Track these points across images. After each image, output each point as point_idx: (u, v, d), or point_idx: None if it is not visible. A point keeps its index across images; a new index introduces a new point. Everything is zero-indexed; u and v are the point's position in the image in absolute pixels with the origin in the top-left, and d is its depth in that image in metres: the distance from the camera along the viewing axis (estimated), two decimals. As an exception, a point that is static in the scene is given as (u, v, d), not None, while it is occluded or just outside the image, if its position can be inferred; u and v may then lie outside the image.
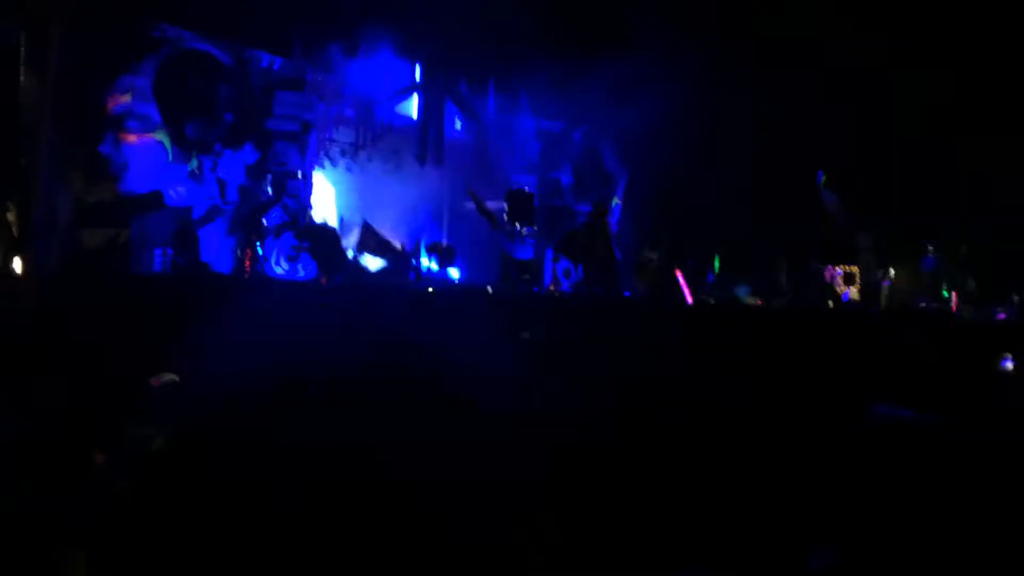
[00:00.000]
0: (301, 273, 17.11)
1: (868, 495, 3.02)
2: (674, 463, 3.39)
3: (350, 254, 18.94)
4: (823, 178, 20.03)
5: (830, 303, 19.61)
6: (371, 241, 17.94)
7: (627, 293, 18.19)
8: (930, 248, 19.60)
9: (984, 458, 3.27)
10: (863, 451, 3.33)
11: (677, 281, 19.15)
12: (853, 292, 20.34)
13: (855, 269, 20.52)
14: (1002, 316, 17.01)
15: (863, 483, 3.10)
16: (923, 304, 19.10)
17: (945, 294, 19.61)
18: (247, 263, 16.61)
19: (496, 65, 20.71)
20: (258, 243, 16.83)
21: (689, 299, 18.52)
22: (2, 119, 12.26)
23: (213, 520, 2.73)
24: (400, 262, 18.49)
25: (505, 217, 19.79)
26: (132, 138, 15.77)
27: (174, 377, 3.31)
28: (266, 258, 16.96)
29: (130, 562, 2.59)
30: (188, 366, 4.24)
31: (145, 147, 15.95)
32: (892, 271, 20.45)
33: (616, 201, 22.85)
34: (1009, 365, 5.03)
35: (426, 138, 20.33)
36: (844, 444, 3.40)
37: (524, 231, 19.64)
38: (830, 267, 20.29)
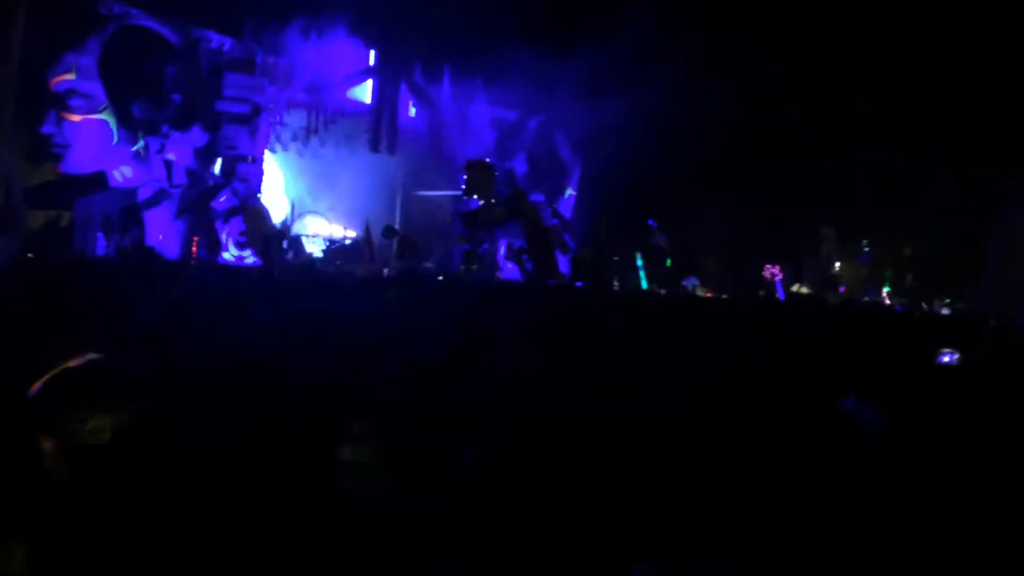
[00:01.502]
0: (250, 259, 16.90)
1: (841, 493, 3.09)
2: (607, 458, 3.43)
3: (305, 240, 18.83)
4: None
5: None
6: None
7: (579, 284, 18.29)
8: (865, 244, 20.16)
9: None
10: (832, 446, 3.40)
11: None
12: (799, 288, 20.84)
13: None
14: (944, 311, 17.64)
15: (834, 480, 3.16)
16: (867, 298, 19.68)
17: (887, 288, 20.23)
18: (193, 248, 16.33)
19: (452, 52, 20.59)
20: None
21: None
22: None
23: (161, 511, 2.71)
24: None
25: (463, 188, 19.43)
26: (76, 117, 15.36)
27: (95, 356, 3.25)
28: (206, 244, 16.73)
29: (76, 555, 2.56)
30: (134, 350, 4.17)
31: (89, 127, 15.55)
32: (837, 265, 21.02)
33: (570, 191, 22.97)
34: (946, 359, 5.20)
35: (379, 124, 20.13)
36: (811, 439, 3.47)
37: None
38: (768, 265, 20.81)
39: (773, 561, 2.71)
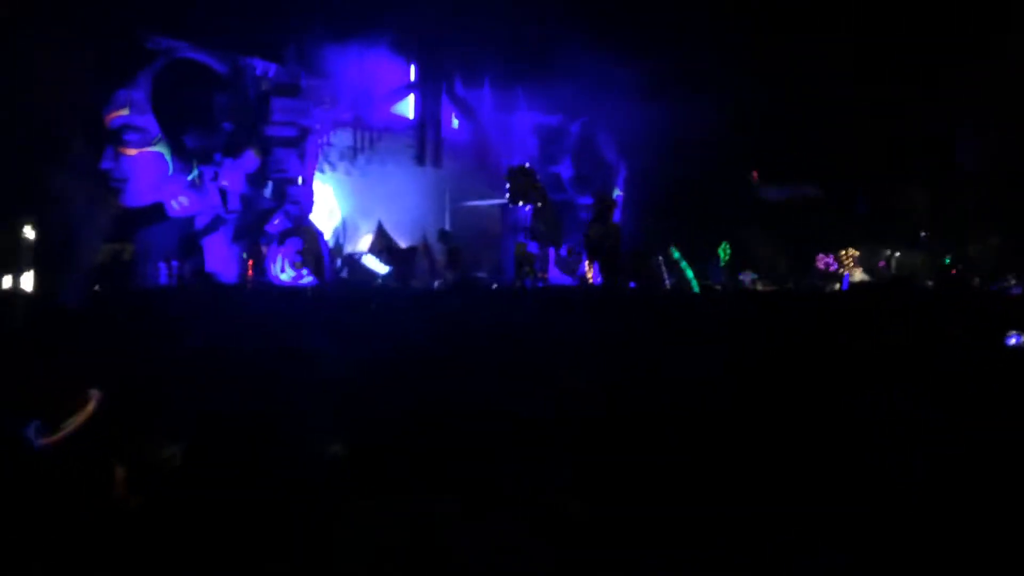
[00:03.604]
0: (307, 279, 17.19)
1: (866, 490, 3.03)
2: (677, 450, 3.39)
3: (366, 258, 19.00)
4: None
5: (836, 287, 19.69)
6: (381, 245, 17.96)
7: (632, 285, 18.16)
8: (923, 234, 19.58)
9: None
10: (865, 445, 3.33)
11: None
12: (856, 275, 20.35)
13: (856, 253, 20.58)
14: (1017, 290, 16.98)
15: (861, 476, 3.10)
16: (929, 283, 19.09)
17: (947, 261, 19.53)
18: (249, 272, 16.66)
19: (491, 61, 20.69)
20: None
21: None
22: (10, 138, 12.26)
23: (225, 536, 2.76)
24: (409, 266, 18.49)
25: (507, 197, 19.48)
26: (132, 151, 15.82)
27: (97, 392, 3.31)
28: (264, 267, 17.05)
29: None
30: (197, 378, 4.27)
31: (145, 159, 16.00)
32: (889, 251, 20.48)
33: (617, 192, 22.85)
34: (1014, 341, 5.00)
35: (424, 138, 20.33)
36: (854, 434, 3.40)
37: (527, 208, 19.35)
38: (821, 255, 20.39)
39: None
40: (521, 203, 19.10)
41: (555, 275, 19.98)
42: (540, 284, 18.89)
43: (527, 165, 20.03)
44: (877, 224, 19.22)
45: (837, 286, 19.65)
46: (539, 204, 19.53)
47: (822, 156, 19.64)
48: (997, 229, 18.36)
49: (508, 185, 18.99)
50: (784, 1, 19.31)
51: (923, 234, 17.55)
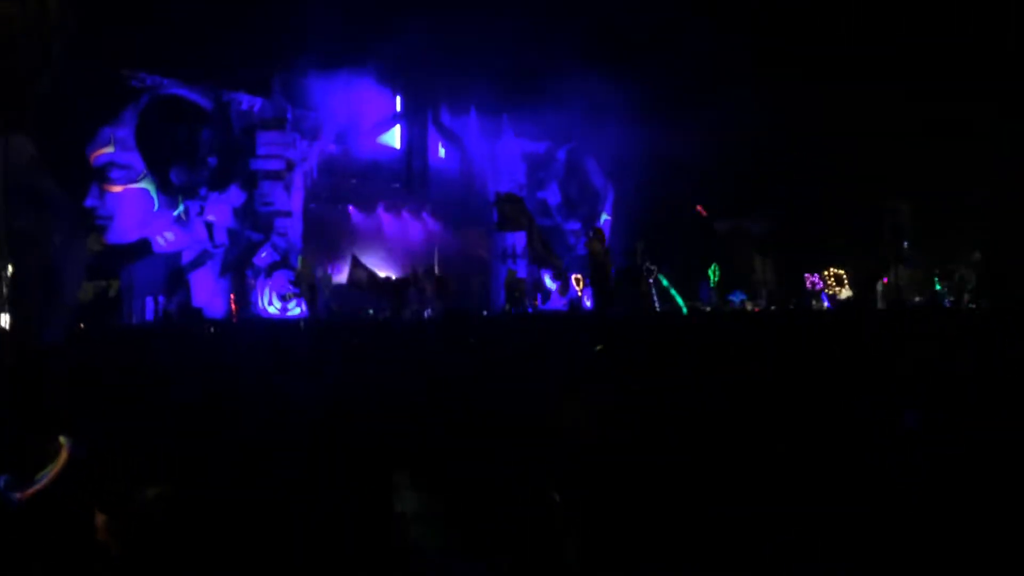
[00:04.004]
0: (295, 311, 17.10)
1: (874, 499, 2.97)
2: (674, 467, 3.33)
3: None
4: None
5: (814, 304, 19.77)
6: (360, 275, 17.86)
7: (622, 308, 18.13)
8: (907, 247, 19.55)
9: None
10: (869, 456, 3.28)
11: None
12: (843, 293, 20.42)
13: (839, 272, 20.71)
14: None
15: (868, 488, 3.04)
16: (917, 299, 19.13)
17: (938, 287, 19.63)
18: (233, 306, 16.56)
19: (476, 90, 20.79)
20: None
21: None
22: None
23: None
24: (392, 296, 18.41)
25: (496, 223, 19.48)
26: (117, 188, 15.76)
27: (68, 440, 3.21)
28: (252, 301, 16.98)
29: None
30: (184, 420, 4.18)
31: (130, 196, 15.94)
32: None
33: (605, 216, 22.93)
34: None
35: (411, 168, 20.35)
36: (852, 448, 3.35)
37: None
38: (808, 275, 20.47)
39: None
40: (510, 229, 19.07)
41: (552, 301, 19.98)
42: (531, 310, 18.85)
43: (515, 192, 20.04)
44: (861, 243, 19.28)
45: (823, 305, 19.71)
46: (529, 230, 19.53)
47: (809, 177, 19.76)
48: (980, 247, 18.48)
49: (496, 211, 18.98)
50: (769, 27, 19.51)
51: (907, 248, 17.57)
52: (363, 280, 17.30)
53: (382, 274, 18.45)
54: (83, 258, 14.01)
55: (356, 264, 17.62)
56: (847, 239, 18.06)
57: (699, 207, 20.98)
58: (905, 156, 18.72)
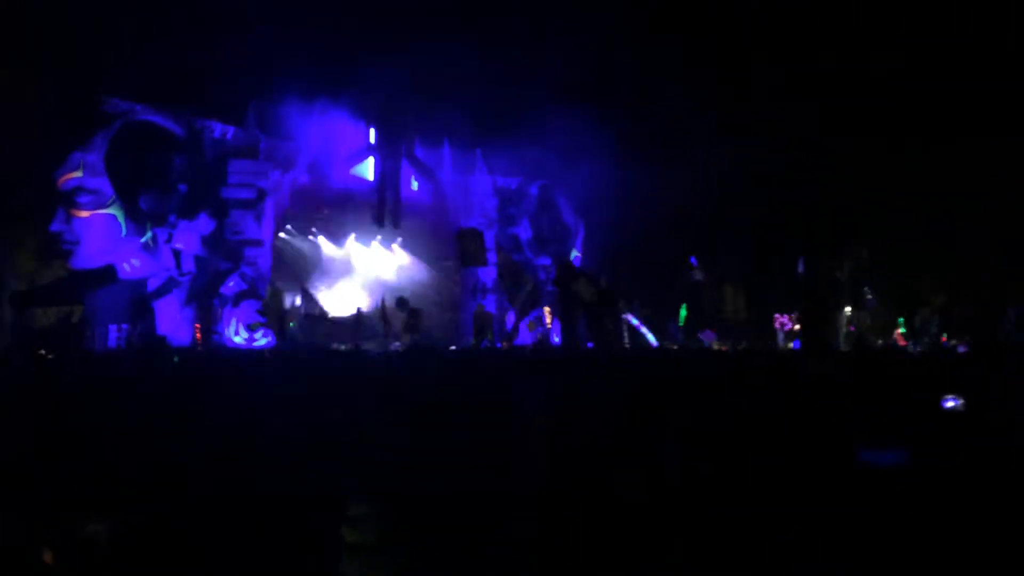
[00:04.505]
0: (262, 341, 16.94)
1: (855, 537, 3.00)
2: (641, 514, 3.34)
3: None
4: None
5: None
6: (313, 308, 17.86)
7: (590, 344, 18.19)
8: (867, 291, 19.80)
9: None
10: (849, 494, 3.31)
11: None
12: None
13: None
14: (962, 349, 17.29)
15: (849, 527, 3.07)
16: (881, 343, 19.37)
17: (903, 331, 19.91)
18: (198, 335, 16.39)
19: (451, 124, 20.94)
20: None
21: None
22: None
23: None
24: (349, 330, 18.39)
25: (458, 258, 19.50)
26: (84, 213, 15.61)
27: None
28: (218, 330, 16.82)
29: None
30: (139, 450, 4.13)
31: (98, 222, 15.78)
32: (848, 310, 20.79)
33: (576, 253, 23.07)
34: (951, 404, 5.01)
35: (383, 200, 20.36)
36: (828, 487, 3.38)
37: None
38: (778, 316, 20.67)
39: None
40: (472, 264, 19.15)
41: (521, 336, 19.99)
42: (499, 345, 18.84)
43: (476, 228, 20.12)
44: (818, 286, 19.56)
45: (789, 345, 19.90)
46: (497, 266, 19.60)
47: (776, 218, 20.03)
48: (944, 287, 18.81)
49: (458, 246, 19.05)
50: (742, 68, 19.92)
51: (869, 297, 17.83)
52: (315, 313, 17.30)
53: (352, 308, 18.48)
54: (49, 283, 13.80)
55: (307, 297, 17.63)
56: (806, 282, 18.29)
57: (693, 260, 21.18)
58: (868, 200, 19.10)
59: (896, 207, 18.44)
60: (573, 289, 17.36)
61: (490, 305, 20.65)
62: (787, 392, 4.92)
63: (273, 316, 17.13)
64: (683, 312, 21.13)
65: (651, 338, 19.19)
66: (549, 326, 20.89)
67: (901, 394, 4.78)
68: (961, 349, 17.36)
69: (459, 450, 4.38)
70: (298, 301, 19.62)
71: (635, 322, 18.77)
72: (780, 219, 19.69)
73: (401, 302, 19.10)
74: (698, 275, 21.20)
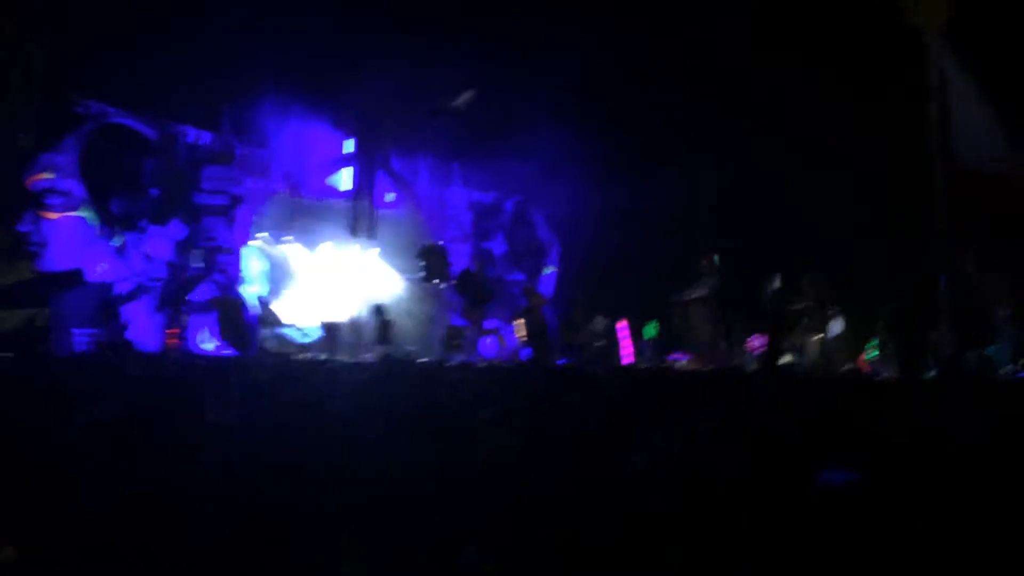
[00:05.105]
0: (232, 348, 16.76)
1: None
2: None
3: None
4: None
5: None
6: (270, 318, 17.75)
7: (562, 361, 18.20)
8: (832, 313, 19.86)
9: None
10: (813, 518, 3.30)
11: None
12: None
13: None
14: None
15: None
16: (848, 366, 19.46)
17: (875, 354, 19.95)
18: (169, 341, 16.18)
19: (428, 137, 20.95)
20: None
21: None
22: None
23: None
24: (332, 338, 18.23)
25: (421, 275, 19.47)
26: (53, 215, 15.42)
27: None
28: (185, 336, 16.61)
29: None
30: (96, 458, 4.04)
31: (67, 224, 15.60)
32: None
33: (550, 268, 23.10)
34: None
35: (358, 210, 20.27)
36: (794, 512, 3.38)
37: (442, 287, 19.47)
38: (755, 336, 20.72)
39: None
40: (435, 281, 19.19)
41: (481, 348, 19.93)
42: (473, 359, 18.77)
43: (440, 243, 20.11)
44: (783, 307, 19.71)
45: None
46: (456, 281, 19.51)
47: (755, 236, 20.15)
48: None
49: (422, 263, 19.08)
50: (721, 82, 20.09)
51: (837, 321, 17.96)
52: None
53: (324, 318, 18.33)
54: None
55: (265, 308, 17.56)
56: (772, 305, 18.35)
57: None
58: (835, 220, 19.32)
59: (864, 228, 18.67)
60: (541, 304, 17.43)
61: (455, 319, 20.60)
62: (740, 411, 4.93)
63: (230, 326, 16.93)
64: (651, 329, 21.13)
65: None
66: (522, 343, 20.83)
67: (856, 417, 4.81)
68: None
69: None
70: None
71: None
72: (746, 241, 19.84)
73: (377, 310, 18.99)
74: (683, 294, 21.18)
